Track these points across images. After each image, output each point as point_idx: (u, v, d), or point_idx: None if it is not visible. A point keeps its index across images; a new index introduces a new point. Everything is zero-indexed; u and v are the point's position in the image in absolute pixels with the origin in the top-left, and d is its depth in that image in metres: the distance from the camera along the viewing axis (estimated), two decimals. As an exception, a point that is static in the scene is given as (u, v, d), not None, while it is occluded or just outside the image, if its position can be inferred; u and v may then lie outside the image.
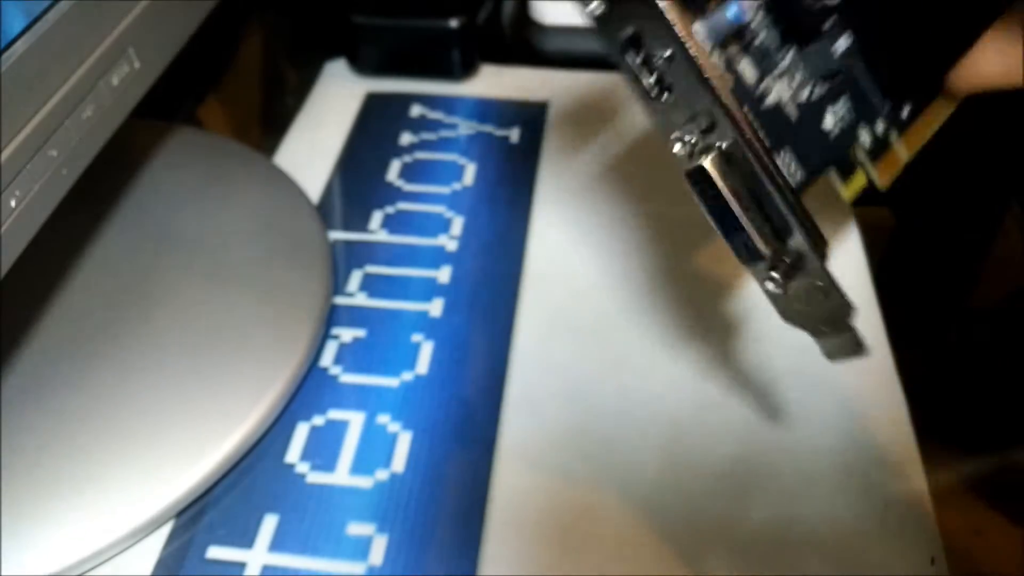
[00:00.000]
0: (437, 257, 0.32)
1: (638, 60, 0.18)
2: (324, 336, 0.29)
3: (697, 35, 0.19)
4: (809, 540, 0.23)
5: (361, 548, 0.23)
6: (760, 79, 0.20)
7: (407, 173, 0.36)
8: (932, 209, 0.34)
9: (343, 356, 0.28)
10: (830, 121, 0.21)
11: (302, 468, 0.25)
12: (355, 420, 0.26)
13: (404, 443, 0.26)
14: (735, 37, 0.20)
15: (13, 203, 0.20)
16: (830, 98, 0.22)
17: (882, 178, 0.22)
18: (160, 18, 0.27)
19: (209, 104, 0.42)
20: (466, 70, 0.41)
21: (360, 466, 0.25)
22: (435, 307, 0.30)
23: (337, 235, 0.33)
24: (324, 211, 0.34)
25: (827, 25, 0.22)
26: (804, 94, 0.21)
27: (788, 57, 0.21)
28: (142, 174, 0.34)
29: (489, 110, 0.40)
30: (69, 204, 0.23)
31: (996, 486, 0.25)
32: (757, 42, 0.21)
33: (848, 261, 0.30)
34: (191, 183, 0.33)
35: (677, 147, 0.18)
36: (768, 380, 0.27)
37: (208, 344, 0.27)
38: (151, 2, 0.26)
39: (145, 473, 0.24)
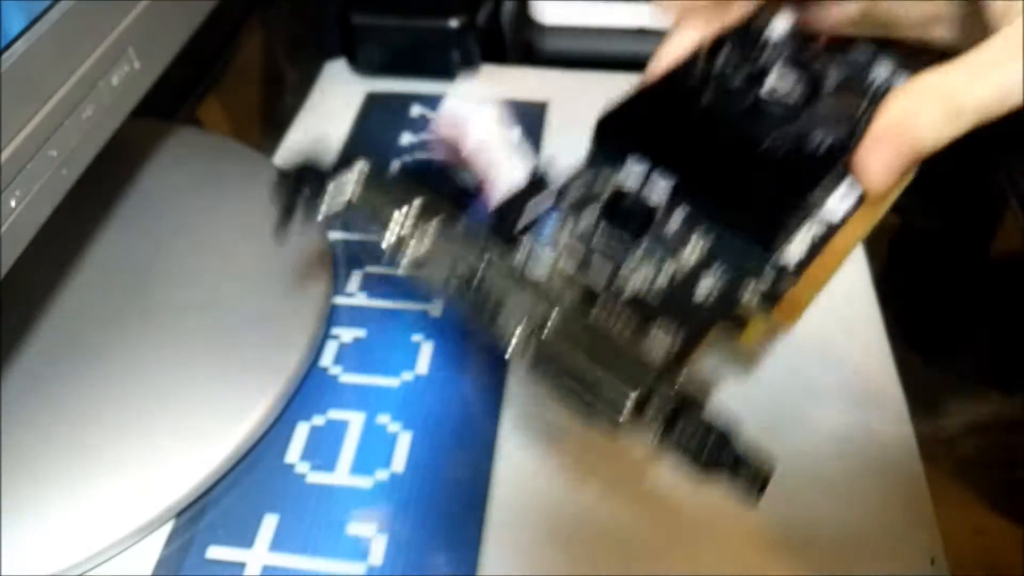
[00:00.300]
0: (437, 257, 0.32)
1: (467, 289, 0.20)
2: (324, 336, 0.29)
3: (516, 250, 0.21)
4: (810, 540, 0.23)
5: (361, 548, 0.23)
6: (614, 273, 0.21)
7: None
8: (932, 208, 0.34)
9: (343, 356, 0.28)
10: (705, 288, 0.22)
11: (302, 468, 0.25)
12: (355, 420, 0.26)
13: (404, 443, 0.26)
14: (583, 241, 0.22)
15: (13, 203, 0.20)
16: (700, 268, 0.22)
17: (785, 321, 0.22)
18: (160, 18, 0.26)
19: (209, 104, 0.42)
20: (466, 70, 0.41)
21: (360, 466, 0.25)
22: (435, 307, 0.30)
23: (337, 235, 0.33)
24: (324, 211, 0.34)
25: (662, 211, 0.23)
26: (666, 274, 0.22)
27: (641, 247, 0.22)
28: (142, 174, 0.34)
29: (489, 110, 0.40)
30: (69, 204, 0.23)
31: (996, 484, 0.25)
32: (602, 240, 0.22)
33: (849, 261, 0.30)
34: (191, 183, 0.33)
35: (513, 343, 0.19)
36: (769, 381, 0.27)
37: (208, 344, 0.27)
38: (151, 2, 0.26)
39: (145, 473, 0.24)
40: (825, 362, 0.27)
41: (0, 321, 0.27)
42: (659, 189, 0.22)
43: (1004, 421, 0.26)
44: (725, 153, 0.24)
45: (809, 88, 0.26)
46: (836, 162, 0.25)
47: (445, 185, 0.22)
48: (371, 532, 0.23)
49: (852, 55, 0.30)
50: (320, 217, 0.21)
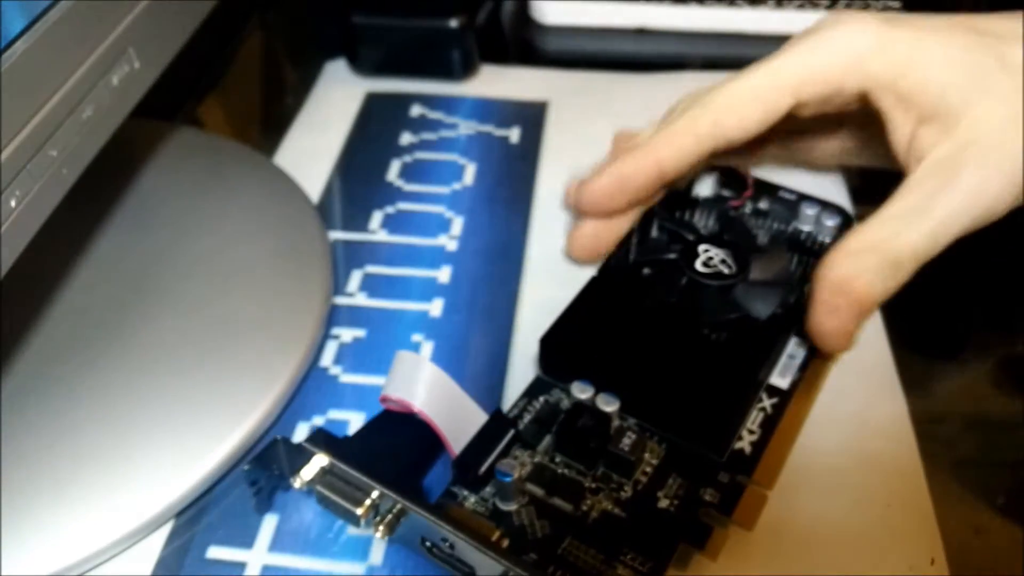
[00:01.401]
0: (437, 257, 0.32)
1: (438, 552, 0.21)
2: (324, 336, 0.29)
3: (471, 504, 0.23)
4: (809, 540, 0.23)
5: (361, 548, 0.23)
6: (576, 506, 0.23)
7: (407, 173, 0.36)
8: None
9: (343, 356, 0.28)
10: (665, 501, 0.23)
11: (302, 468, 0.25)
12: (355, 420, 0.26)
13: (404, 443, 0.26)
14: (546, 468, 0.23)
15: (13, 203, 0.20)
16: (658, 480, 0.23)
17: (746, 523, 0.23)
18: (160, 18, 0.27)
19: (209, 104, 0.42)
20: (466, 70, 0.41)
21: (360, 466, 0.25)
22: (435, 307, 0.30)
23: (337, 235, 0.33)
24: (324, 211, 0.34)
25: (615, 427, 0.24)
26: (626, 492, 0.23)
27: (600, 466, 0.24)
28: (142, 174, 0.34)
29: (489, 110, 0.40)
30: (69, 204, 0.23)
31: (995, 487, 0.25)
32: (564, 463, 0.24)
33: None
34: (191, 183, 0.33)
35: None
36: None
37: (208, 344, 0.27)
38: (151, 2, 0.26)
39: (145, 473, 0.24)
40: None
41: (0, 321, 0.27)
42: (609, 405, 0.23)
43: (1004, 420, 0.26)
44: (667, 357, 0.25)
45: (741, 252, 0.27)
46: (777, 335, 0.26)
47: (409, 434, 0.24)
48: (371, 532, 0.23)
49: (779, 196, 0.31)
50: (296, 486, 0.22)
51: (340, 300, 0.30)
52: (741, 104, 0.27)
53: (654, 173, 0.28)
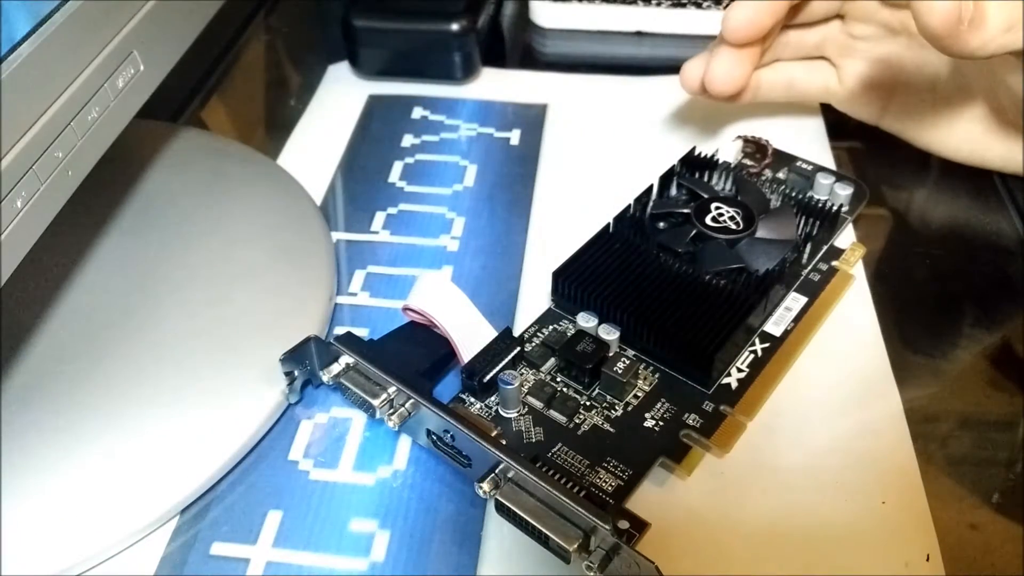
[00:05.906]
0: (438, 257, 0.32)
1: (441, 443, 0.24)
2: (327, 335, 0.29)
3: (476, 410, 0.25)
4: (806, 538, 0.23)
5: (363, 544, 0.23)
6: (570, 419, 0.25)
7: (409, 174, 0.36)
8: (927, 207, 0.34)
9: (345, 355, 0.28)
10: (650, 422, 0.25)
11: (305, 465, 0.25)
12: (358, 418, 0.26)
13: (406, 440, 0.26)
14: (547, 383, 0.26)
15: (19, 204, 0.20)
16: (647, 403, 0.25)
17: (721, 448, 0.24)
18: (165, 21, 0.27)
19: (213, 106, 0.42)
20: (467, 73, 0.41)
21: (363, 463, 0.25)
22: (436, 307, 0.30)
23: (340, 235, 0.33)
24: (327, 212, 0.34)
25: (613, 353, 0.26)
26: (617, 412, 0.25)
27: (594, 390, 0.26)
28: (147, 175, 0.34)
29: (490, 112, 0.40)
30: (74, 205, 0.23)
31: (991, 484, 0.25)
32: (563, 381, 0.26)
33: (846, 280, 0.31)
34: (196, 184, 0.34)
35: (484, 488, 0.22)
36: (766, 378, 0.27)
37: (212, 343, 0.27)
38: (156, 4, 0.26)
39: (150, 470, 0.24)
40: (820, 360, 0.28)
41: (4, 320, 0.27)
42: (610, 334, 0.26)
43: (999, 418, 0.26)
44: (666, 296, 0.27)
45: (750, 212, 0.30)
46: (771, 286, 0.27)
47: (426, 343, 0.26)
48: (373, 528, 0.24)
49: (796, 166, 0.33)
50: (324, 380, 0.25)
51: (343, 300, 0.30)
52: None
53: None
